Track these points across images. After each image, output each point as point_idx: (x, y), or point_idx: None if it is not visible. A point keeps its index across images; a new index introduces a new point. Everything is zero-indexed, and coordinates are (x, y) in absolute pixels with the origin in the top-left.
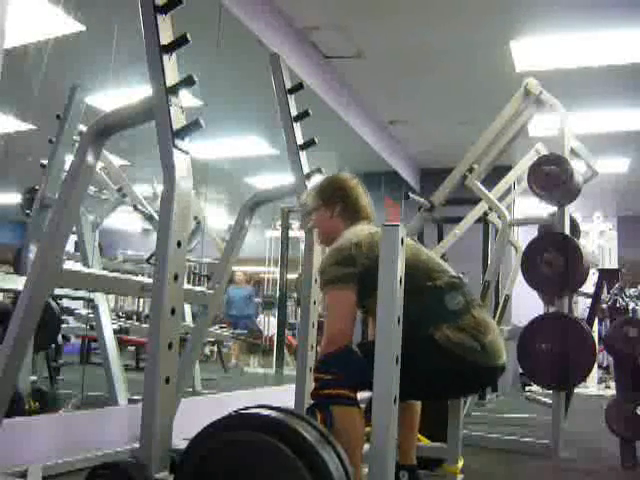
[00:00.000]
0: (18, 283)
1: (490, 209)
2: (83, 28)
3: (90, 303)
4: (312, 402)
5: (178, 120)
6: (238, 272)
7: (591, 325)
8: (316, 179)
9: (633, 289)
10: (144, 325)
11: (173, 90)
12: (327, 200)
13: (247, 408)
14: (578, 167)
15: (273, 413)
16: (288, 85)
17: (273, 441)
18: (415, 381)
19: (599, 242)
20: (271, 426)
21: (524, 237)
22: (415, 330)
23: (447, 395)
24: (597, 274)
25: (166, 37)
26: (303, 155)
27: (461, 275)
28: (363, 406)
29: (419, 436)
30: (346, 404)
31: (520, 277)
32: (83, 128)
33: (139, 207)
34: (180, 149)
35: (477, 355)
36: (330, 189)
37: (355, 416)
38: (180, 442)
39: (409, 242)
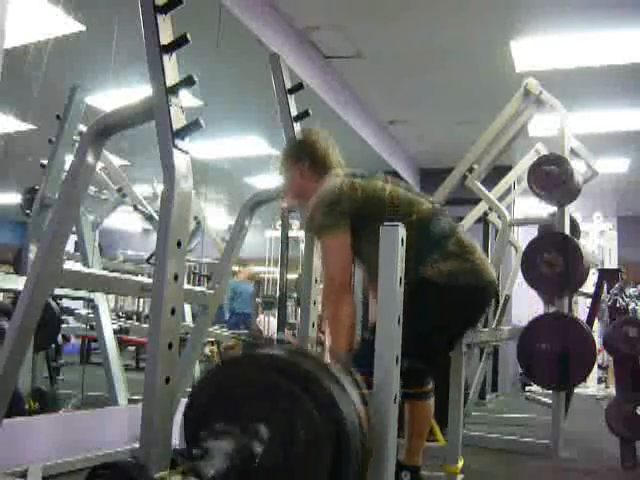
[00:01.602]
0: (18, 283)
1: (490, 209)
2: (83, 28)
3: (90, 303)
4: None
5: (178, 120)
6: (243, 270)
7: (591, 325)
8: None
9: (633, 289)
10: (144, 325)
11: (173, 90)
12: (294, 159)
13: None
14: (578, 167)
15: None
16: (288, 85)
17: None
18: (422, 332)
19: (599, 242)
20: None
21: (524, 237)
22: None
23: (452, 332)
24: (597, 274)
25: (166, 37)
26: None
27: None
28: None
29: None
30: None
31: (520, 277)
32: (83, 128)
33: (139, 207)
34: (180, 149)
35: (469, 276)
36: (295, 147)
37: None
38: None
39: (390, 187)
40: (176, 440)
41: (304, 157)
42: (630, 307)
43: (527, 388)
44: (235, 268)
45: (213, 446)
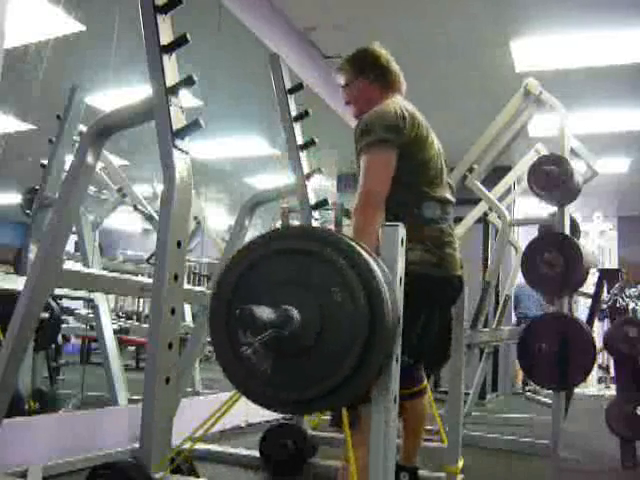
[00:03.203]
0: (18, 283)
1: (490, 209)
2: (83, 28)
3: (90, 303)
4: None
5: (178, 120)
6: None
7: (591, 325)
8: (316, 179)
9: (633, 289)
10: (144, 325)
11: (173, 90)
12: (362, 68)
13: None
14: (578, 167)
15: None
16: (288, 85)
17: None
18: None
19: (599, 242)
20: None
21: (524, 237)
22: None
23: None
24: (597, 274)
25: (166, 37)
26: (303, 155)
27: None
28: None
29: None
30: None
31: (520, 277)
32: (83, 128)
33: (139, 207)
34: (180, 149)
35: (429, 268)
36: (363, 56)
37: None
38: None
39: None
40: (176, 440)
41: (372, 68)
42: (630, 307)
43: (527, 388)
44: None
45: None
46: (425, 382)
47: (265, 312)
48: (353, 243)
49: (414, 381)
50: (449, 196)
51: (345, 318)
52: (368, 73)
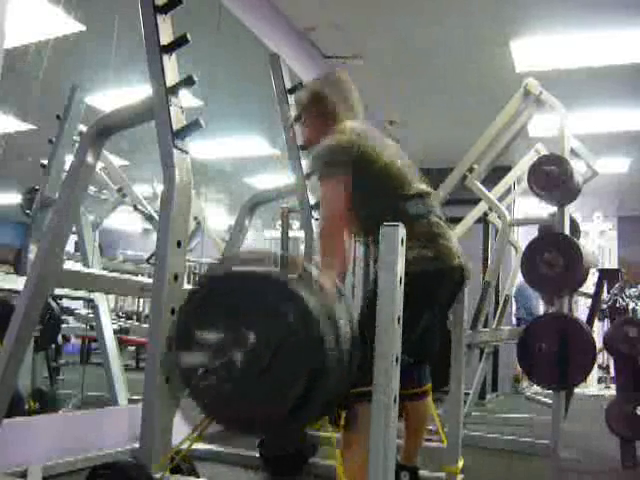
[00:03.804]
0: (18, 283)
1: (490, 209)
2: (83, 28)
3: (90, 303)
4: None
5: (178, 120)
6: None
7: (591, 325)
8: (316, 179)
9: (633, 289)
10: (144, 325)
11: (173, 90)
12: (313, 101)
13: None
14: (578, 167)
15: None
16: (288, 85)
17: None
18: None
19: (599, 242)
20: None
21: (524, 237)
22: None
23: (425, 319)
24: (597, 274)
25: (166, 37)
26: (303, 155)
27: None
28: None
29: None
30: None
31: (520, 277)
32: (83, 128)
33: (139, 207)
34: (180, 149)
35: (428, 263)
36: (310, 94)
37: None
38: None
39: (392, 145)
40: (176, 440)
41: (323, 99)
42: (630, 307)
43: (527, 387)
44: None
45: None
46: (429, 384)
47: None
48: (290, 281)
49: (414, 382)
50: (425, 187)
51: (293, 346)
52: (314, 108)
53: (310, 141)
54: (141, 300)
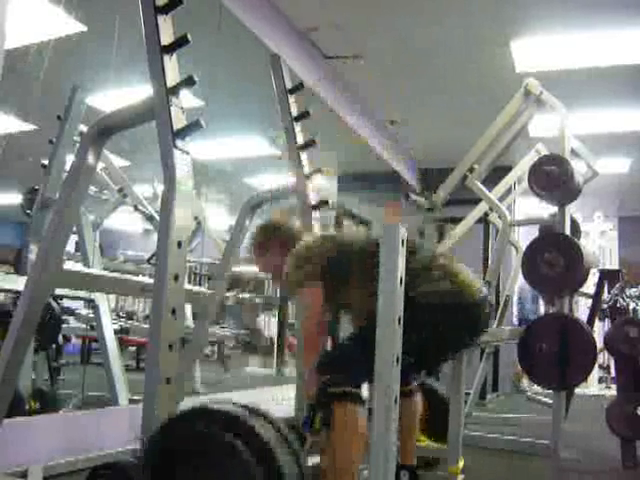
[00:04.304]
0: (18, 283)
1: (491, 209)
2: (84, 28)
3: (91, 303)
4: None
5: (179, 120)
6: None
7: (592, 325)
8: (316, 179)
9: (633, 289)
10: (144, 325)
11: (174, 90)
12: (261, 246)
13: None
14: (579, 167)
15: (233, 409)
16: (288, 85)
17: (229, 437)
18: (413, 348)
19: (600, 242)
20: (229, 422)
21: (525, 237)
22: None
23: (445, 350)
24: (598, 274)
25: (166, 37)
26: (303, 155)
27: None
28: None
29: (421, 436)
30: (349, 402)
31: (520, 277)
32: (84, 128)
33: (140, 207)
34: (180, 149)
35: (453, 296)
36: (258, 238)
37: (358, 414)
38: None
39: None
40: None
41: (269, 239)
42: (631, 307)
43: (527, 388)
44: None
45: None
46: (417, 382)
47: None
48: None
49: (406, 381)
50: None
51: None
52: (274, 241)
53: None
54: (141, 300)
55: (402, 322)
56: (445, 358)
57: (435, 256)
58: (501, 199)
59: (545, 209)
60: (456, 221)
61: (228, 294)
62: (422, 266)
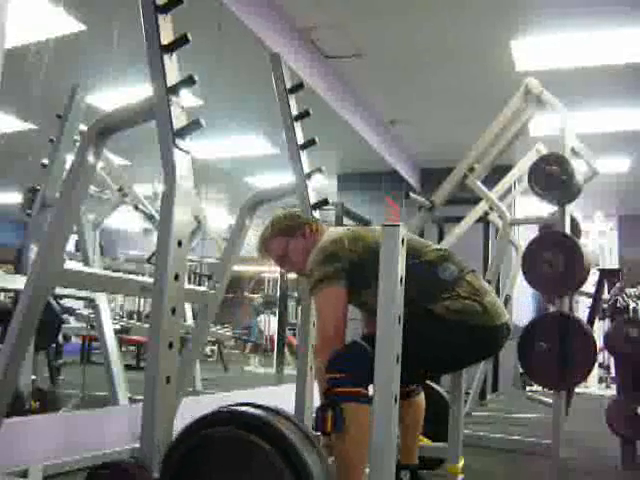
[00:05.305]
0: (18, 283)
1: (491, 209)
2: (84, 28)
3: (91, 303)
4: (324, 401)
5: (179, 120)
6: None
7: (592, 325)
8: (316, 179)
9: (633, 289)
10: (144, 325)
11: (174, 90)
12: (288, 231)
13: (233, 405)
14: (579, 167)
15: (258, 411)
16: (288, 85)
17: (256, 439)
18: (424, 359)
19: (600, 242)
20: (256, 424)
21: (525, 237)
22: (414, 308)
23: (458, 365)
24: (598, 274)
25: (167, 37)
26: (303, 155)
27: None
28: None
29: (420, 437)
30: (359, 402)
31: (520, 277)
32: (84, 128)
33: (140, 207)
34: (181, 149)
35: (479, 317)
36: (283, 221)
37: (367, 414)
38: None
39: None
40: None
41: (296, 225)
42: (631, 307)
43: (527, 388)
44: None
45: None
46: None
47: None
48: (283, 428)
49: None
50: (438, 247)
51: None
52: (295, 231)
53: (303, 262)
54: (141, 300)
55: (419, 334)
56: (454, 371)
57: (464, 272)
58: (501, 198)
59: (545, 208)
60: (456, 221)
61: (254, 295)
62: (452, 279)
